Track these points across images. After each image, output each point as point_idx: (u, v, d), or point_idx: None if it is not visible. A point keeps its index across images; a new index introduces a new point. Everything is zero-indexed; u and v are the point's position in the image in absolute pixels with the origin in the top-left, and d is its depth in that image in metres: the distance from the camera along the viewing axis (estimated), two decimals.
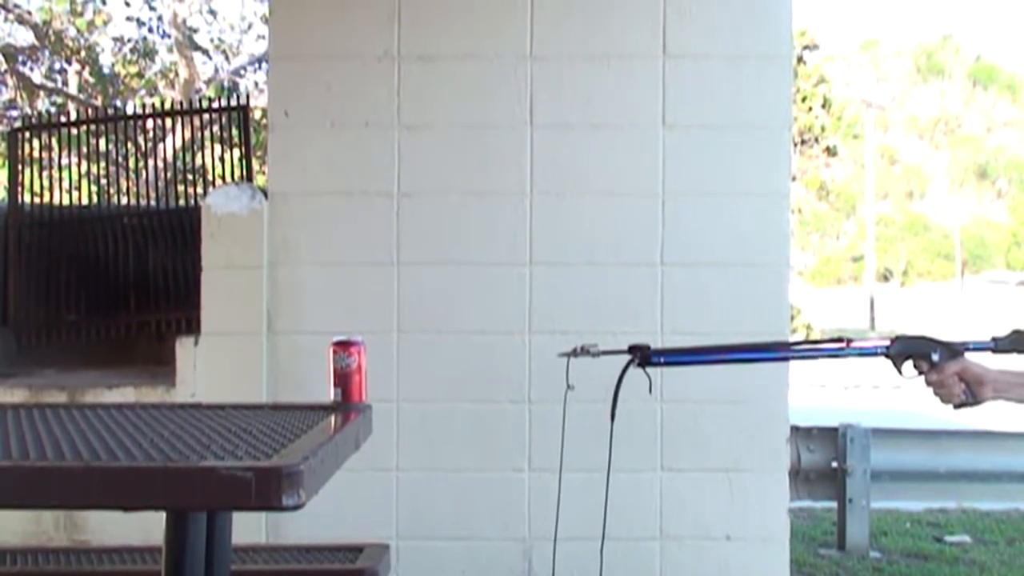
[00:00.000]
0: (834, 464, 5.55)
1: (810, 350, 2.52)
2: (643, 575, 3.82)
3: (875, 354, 2.35)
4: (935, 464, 5.69)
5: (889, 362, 2.31)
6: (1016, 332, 2.35)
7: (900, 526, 6.14)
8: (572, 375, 3.87)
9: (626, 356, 2.47)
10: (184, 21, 14.03)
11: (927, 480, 5.72)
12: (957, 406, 2.32)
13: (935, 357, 2.27)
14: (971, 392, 2.28)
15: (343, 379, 2.10)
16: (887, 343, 2.33)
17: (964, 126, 57.55)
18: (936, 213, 52.55)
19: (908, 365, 2.31)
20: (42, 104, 14.04)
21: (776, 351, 2.49)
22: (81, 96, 14.19)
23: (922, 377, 2.31)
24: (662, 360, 2.38)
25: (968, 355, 2.30)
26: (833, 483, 5.56)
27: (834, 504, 5.64)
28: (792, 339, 3.88)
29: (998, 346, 2.34)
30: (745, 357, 2.53)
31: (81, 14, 14.32)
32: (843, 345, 2.39)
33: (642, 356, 2.38)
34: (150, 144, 5.82)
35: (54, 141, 5.16)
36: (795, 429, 4.95)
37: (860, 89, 40.41)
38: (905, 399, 13.45)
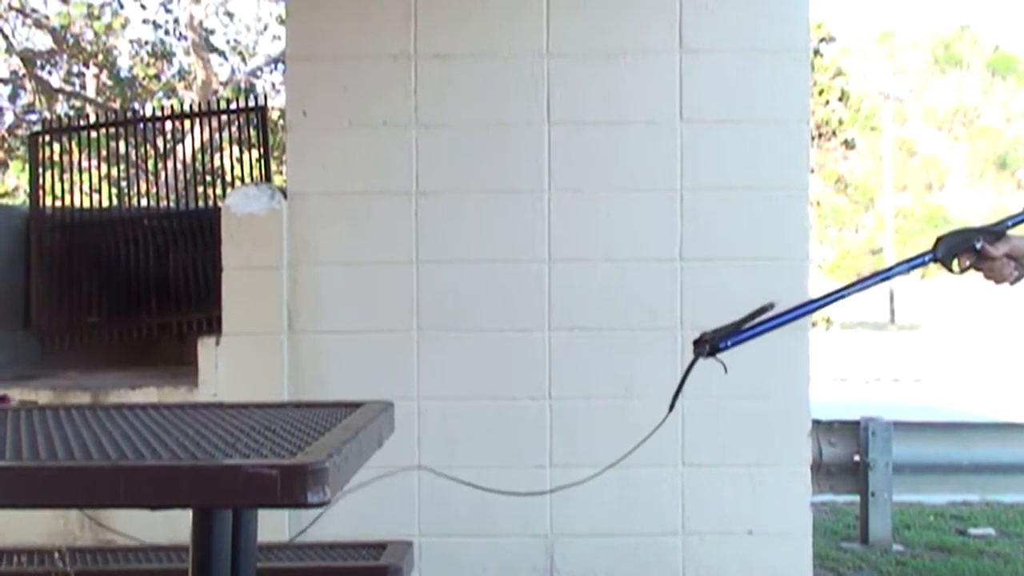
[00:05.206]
0: (856, 458, 5.52)
1: (861, 282, 2.49)
2: (665, 571, 3.82)
3: (924, 263, 2.37)
4: (958, 457, 5.65)
5: (939, 265, 2.33)
6: None
7: (923, 519, 6.11)
8: (593, 371, 3.88)
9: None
10: (200, 23, 14.08)
11: (950, 473, 5.69)
12: (1013, 282, 2.36)
13: (978, 245, 2.30)
14: (1022, 266, 2.32)
15: None
16: (931, 250, 2.35)
17: (983, 117, 57.13)
18: (955, 205, 52.19)
19: (958, 262, 2.33)
20: (61, 108, 14.10)
21: (831, 296, 2.45)
22: (99, 99, 14.25)
23: (973, 269, 2.34)
24: (729, 344, 2.32)
25: (1010, 233, 2.34)
26: (855, 477, 5.54)
27: (856, 498, 5.61)
28: (810, 331, 3.87)
29: None
30: (804, 312, 2.49)
31: (98, 18, 14.39)
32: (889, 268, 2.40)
33: (711, 347, 2.32)
34: (169, 146, 5.84)
35: (74, 145, 5.20)
36: (816, 423, 4.93)
37: (877, 81, 40.24)
38: (927, 392, 13.41)
